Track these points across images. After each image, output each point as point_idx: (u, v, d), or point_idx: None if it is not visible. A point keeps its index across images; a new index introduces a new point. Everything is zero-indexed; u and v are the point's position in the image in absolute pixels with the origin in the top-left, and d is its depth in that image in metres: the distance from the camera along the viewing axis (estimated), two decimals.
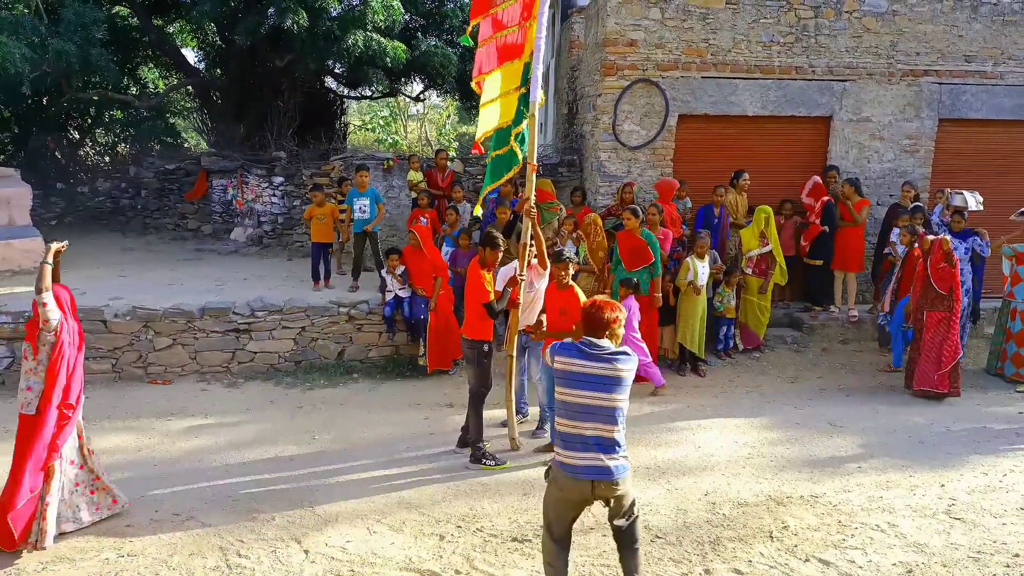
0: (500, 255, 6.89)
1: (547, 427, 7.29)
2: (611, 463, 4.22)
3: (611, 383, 4.22)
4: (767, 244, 9.68)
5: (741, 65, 10.62)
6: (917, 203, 10.16)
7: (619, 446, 4.27)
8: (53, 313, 5.21)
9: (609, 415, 4.22)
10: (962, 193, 9.69)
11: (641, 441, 7.24)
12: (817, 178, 10.35)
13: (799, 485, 6.37)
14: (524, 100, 6.65)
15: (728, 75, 10.64)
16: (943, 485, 6.40)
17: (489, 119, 7.00)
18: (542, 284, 6.94)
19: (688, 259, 8.95)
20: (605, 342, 4.29)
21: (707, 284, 9.06)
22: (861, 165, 11.01)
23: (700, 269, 8.86)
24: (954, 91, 10.97)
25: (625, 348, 4.36)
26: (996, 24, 10.83)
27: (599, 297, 4.51)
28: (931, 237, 8.73)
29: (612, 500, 4.35)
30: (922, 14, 10.71)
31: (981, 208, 9.69)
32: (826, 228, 10.03)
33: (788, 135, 11.00)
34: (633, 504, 4.46)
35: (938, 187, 10.70)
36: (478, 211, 8.00)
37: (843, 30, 10.65)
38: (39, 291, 5.22)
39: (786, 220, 10.26)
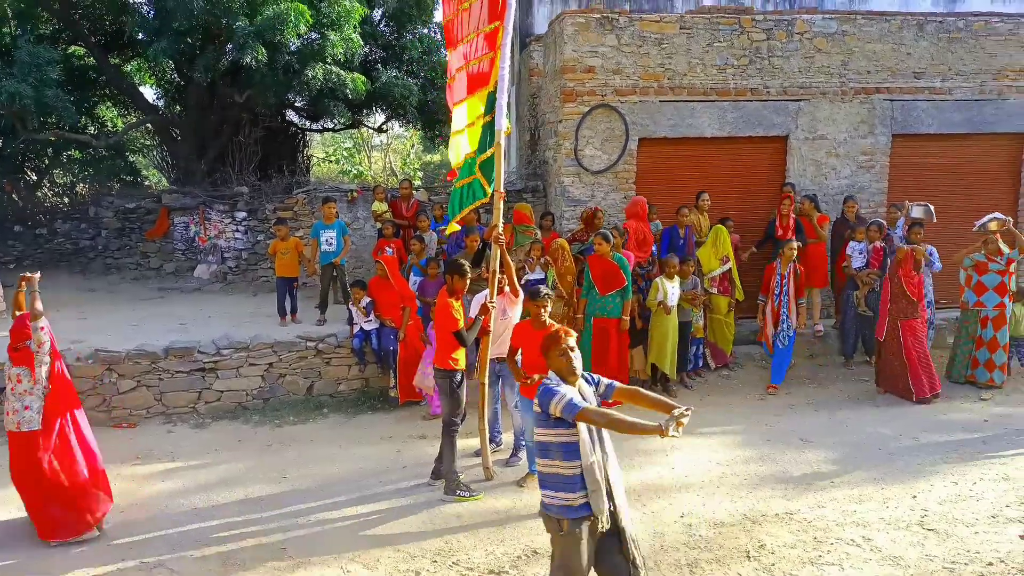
0: (467, 283, 6.86)
1: (521, 454, 7.26)
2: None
3: None
4: (727, 262, 9.80)
5: (698, 88, 10.79)
6: (876, 219, 10.34)
7: None
8: (46, 335, 5.83)
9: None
10: (923, 205, 9.91)
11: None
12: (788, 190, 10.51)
13: (774, 502, 6.40)
14: (489, 128, 6.68)
15: (685, 98, 10.80)
16: (915, 496, 6.46)
17: (460, 147, 7.04)
18: (515, 312, 6.95)
19: (657, 280, 9.01)
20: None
21: (676, 305, 9.10)
22: (819, 182, 11.21)
23: (670, 289, 8.91)
24: (905, 107, 11.24)
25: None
26: (942, 41, 11.13)
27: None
28: (906, 247, 9.03)
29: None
30: (871, 33, 10.99)
31: (934, 220, 9.89)
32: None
33: (747, 155, 11.18)
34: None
35: (894, 201, 10.92)
36: (452, 229, 7.81)
37: (795, 51, 10.88)
38: (34, 317, 5.80)
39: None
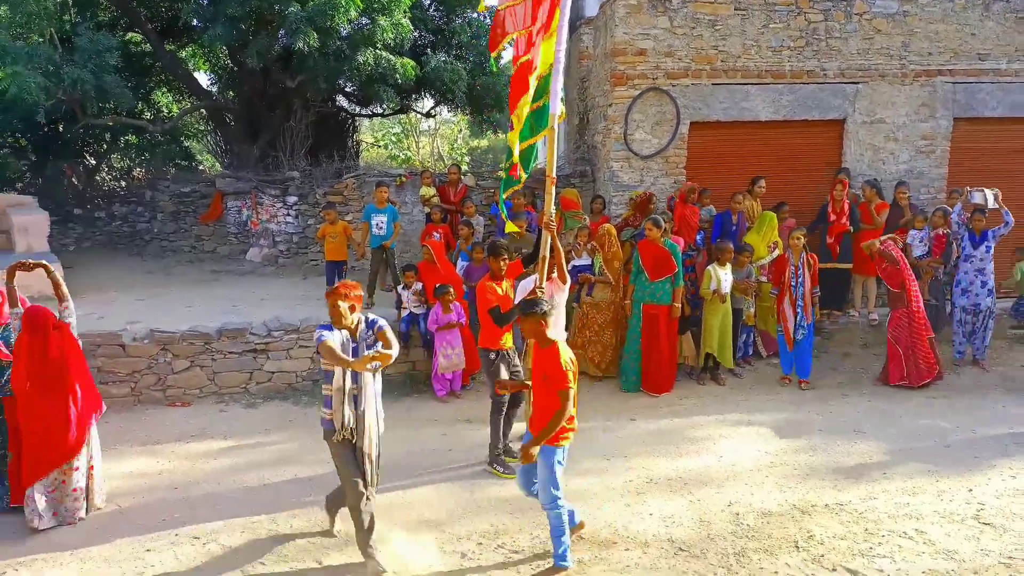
0: (503, 263, 6.86)
1: None
2: None
3: None
4: (775, 249, 9.61)
5: (752, 71, 10.58)
6: (941, 206, 10.03)
7: None
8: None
9: None
10: (982, 191, 9.56)
11: (661, 452, 7.17)
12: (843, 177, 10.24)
13: (824, 493, 6.29)
14: (536, 115, 6.60)
15: (739, 81, 10.60)
16: (971, 490, 6.30)
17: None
18: (562, 297, 6.91)
19: (710, 267, 8.86)
20: None
21: (730, 292, 8.93)
22: (876, 167, 10.92)
23: (723, 277, 8.77)
24: (968, 90, 10.87)
25: None
26: (1009, 21, 10.74)
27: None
28: (865, 244, 9.14)
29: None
30: (933, 14, 10.64)
31: (999, 206, 9.55)
32: (851, 228, 9.97)
33: (802, 139, 10.95)
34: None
35: (954, 187, 10.59)
36: (513, 228, 7.85)
37: (854, 32, 10.59)
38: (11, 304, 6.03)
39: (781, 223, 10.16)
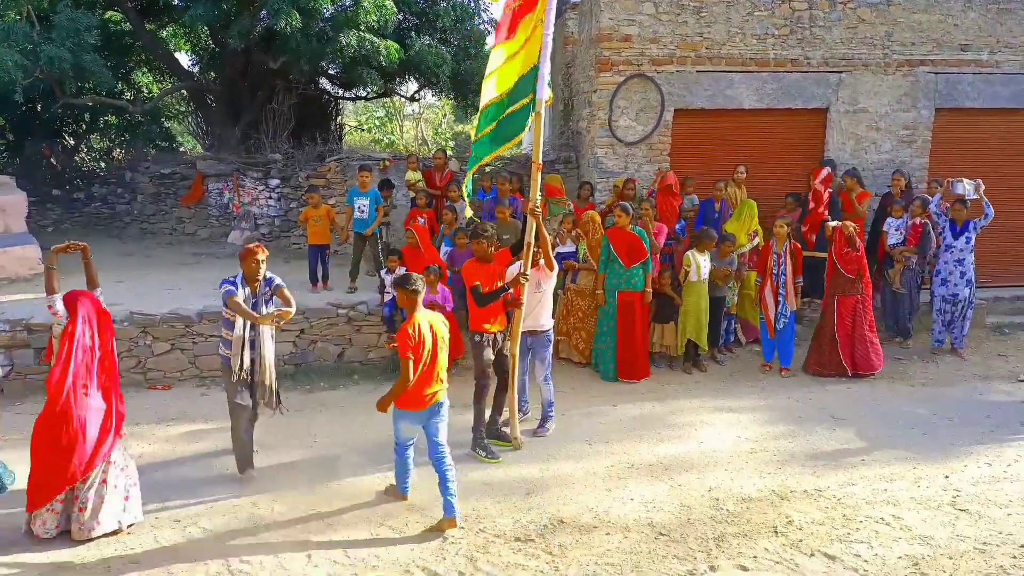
0: (485, 245, 6.83)
1: (549, 425, 7.29)
2: None
3: None
4: (755, 237, 9.67)
5: (736, 58, 10.59)
6: (921, 195, 10.11)
7: None
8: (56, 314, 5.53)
9: None
10: (962, 181, 9.61)
11: (643, 438, 7.21)
12: (828, 168, 10.26)
13: (802, 479, 6.36)
14: (510, 119, 6.65)
15: (724, 69, 10.61)
16: (947, 476, 6.39)
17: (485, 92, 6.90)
18: (549, 284, 6.99)
19: (688, 253, 8.89)
20: None
21: (708, 279, 8.96)
22: (859, 156, 10.98)
23: (701, 263, 8.81)
24: (950, 80, 10.94)
25: None
26: (991, 12, 10.80)
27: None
28: (832, 224, 8.96)
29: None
30: (917, 4, 10.69)
31: (980, 197, 9.62)
32: (829, 217, 10.00)
33: (785, 128, 10.98)
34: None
35: (935, 177, 10.68)
36: (468, 213, 7.98)
37: (838, 21, 10.62)
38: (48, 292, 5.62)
39: (789, 213, 10.20)
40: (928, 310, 10.08)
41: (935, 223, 9.73)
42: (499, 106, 6.72)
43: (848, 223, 8.83)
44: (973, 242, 9.43)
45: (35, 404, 7.99)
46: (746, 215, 9.74)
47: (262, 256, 6.00)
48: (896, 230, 9.76)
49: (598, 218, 9.30)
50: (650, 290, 8.76)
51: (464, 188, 7.33)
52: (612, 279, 8.74)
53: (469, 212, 7.98)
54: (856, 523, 5.64)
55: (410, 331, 5.40)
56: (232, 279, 6.00)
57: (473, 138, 7.05)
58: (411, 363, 5.37)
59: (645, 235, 8.71)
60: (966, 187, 9.50)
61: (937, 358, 9.53)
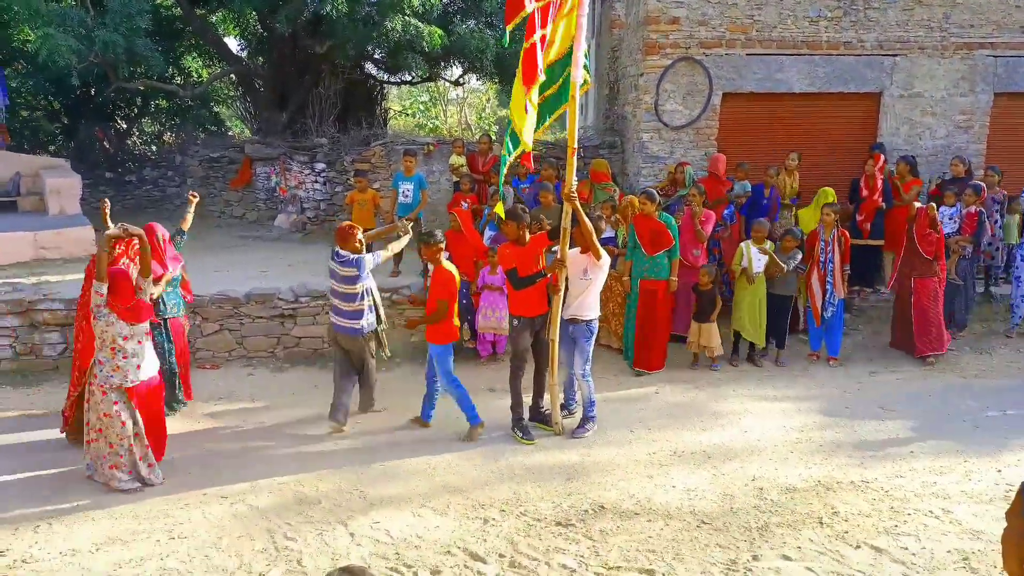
0: (522, 229, 6.81)
1: (589, 426, 7.02)
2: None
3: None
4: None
5: (787, 41, 10.37)
6: (976, 182, 9.83)
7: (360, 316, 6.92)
8: (97, 298, 5.68)
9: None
10: None
11: (686, 426, 7.15)
12: (882, 155, 10.01)
13: (849, 470, 6.25)
14: (546, 103, 6.56)
15: (774, 52, 10.40)
16: (1000, 471, 6.23)
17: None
18: (597, 274, 6.74)
19: (743, 244, 8.70)
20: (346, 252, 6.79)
21: (763, 273, 8.57)
22: (913, 142, 10.71)
23: (755, 256, 8.51)
24: (1010, 64, 10.59)
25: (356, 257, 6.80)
26: None
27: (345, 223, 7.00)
28: (919, 205, 8.93)
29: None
30: None
31: None
32: (883, 204, 9.79)
33: (837, 112, 10.75)
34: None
35: (992, 164, 10.36)
36: (499, 209, 7.56)
37: (893, 3, 10.33)
38: (98, 278, 5.68)
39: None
40: (981, 300, 9.81)
41: (991, 211, 9.48)
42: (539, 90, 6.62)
43: (931, 205, 8.82)
44: None
45: None
46: (822, 202, 9.49)
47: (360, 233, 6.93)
48: (950, 219, 9.49)
49: (636, 201, 9.17)
50: (675, 279, 8.54)
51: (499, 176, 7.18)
52: (637, 267, 8.59)
53: (500, 209, 7.62)
54: (904, 516, 5.53)
55: (443, 276, 6.70)
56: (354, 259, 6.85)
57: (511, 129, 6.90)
58: (448, 302, 6.67)
59: (672, 223, 8.53)
60: None
61: (992, 349, 9.27)
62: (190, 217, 7.76)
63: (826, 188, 9.51)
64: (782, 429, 7.08)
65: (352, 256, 6.82)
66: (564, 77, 6.46)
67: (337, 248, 6.91)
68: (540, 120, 6.61)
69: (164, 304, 6.97)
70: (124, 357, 5.71)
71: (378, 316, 7.24)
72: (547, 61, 6.42)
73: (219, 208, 14.00)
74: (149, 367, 5.91)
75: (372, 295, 7.14)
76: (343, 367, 7.12)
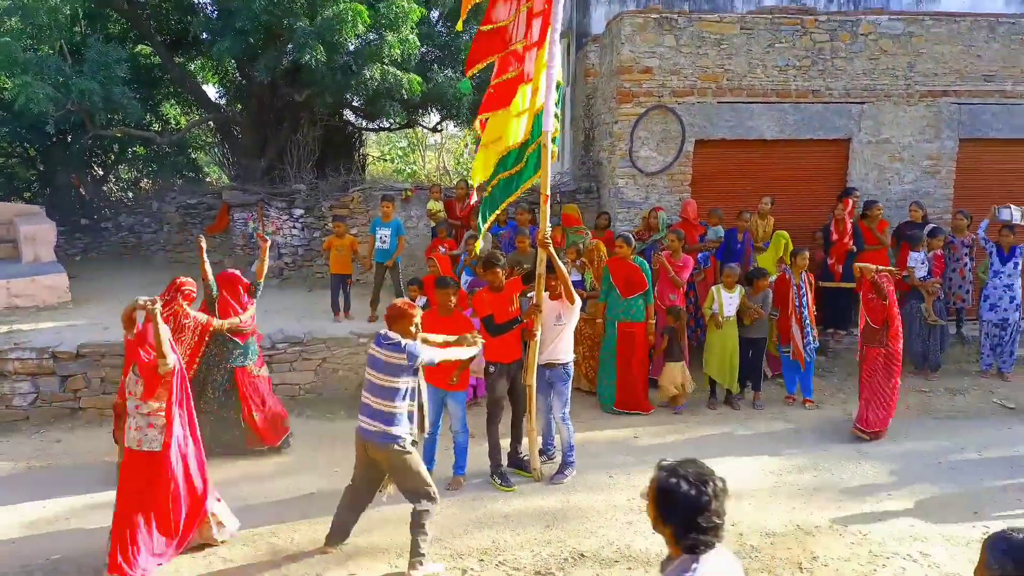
0: (499, 275, 6.82)
1: (568, 472, 6.99)
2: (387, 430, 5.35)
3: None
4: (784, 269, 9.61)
5: (757, 89, 10.62)
6: (935, 226, 10.08)
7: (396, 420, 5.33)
8: (170, 357, 5.45)
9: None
10: (1009, 207, 9.64)
11: None
12: (852, 198, 10.21)
13: (828, 514, 6.26)
14: (507, 181, 6.76)
15: (745, 100, 10.64)
16: (976, 512, 6.26)
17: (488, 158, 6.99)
18: (569, 317, 6.83)
19: (714, 288, 8.78)
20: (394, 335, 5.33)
21: (736, 317, 8.66)
22: (882, 187, 10.94)
23: (726, 300, 8.62)
24: (974, 111, 10.90)
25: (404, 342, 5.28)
26: (1015, 43, 10.77)
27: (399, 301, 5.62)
28: (859, 266, 8.12)
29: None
30: (939, 35, 10.68)
31: (1020, 222, 9.62)
32: (854, 247, 9.96)
33: (807, 158, 10.97)
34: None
35: (960, 207, 10.59)
36: (478, 247, 7.67)
37: (859, 52, 10.63)
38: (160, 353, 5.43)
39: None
40: (954, 342, 9.96)
41: (982, 248, 9.83)
42: (521, 150, 6.78)
43: (869, 266, 8.02)
44: (1021, 267, 9.52)
45: (59, 431, 8.09)
46: (780, 248, 9.68)
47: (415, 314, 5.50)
48: (921, 263, 9.69)
49: (603, 247, 9.26)
50: (652, 321, 8.63)
51: (479, 221, 7.28)
52: (611, 310, 8.67)
53: (479, 246, 7.74)
54: (883, 559, 5.53)
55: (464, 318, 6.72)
56: (391, 338, 5.35)
57: (490, 181, 7.04)
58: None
59: (647, 266, 8.64)
60: (1013, 213, 9.58)
61: (966, 390, 9.37)
62: (264, 266, 7.93)
63: (781, 232, 9.71)
64: (761, 473, 7.08)
65: (403, 341, 5.31)
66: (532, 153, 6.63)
67: (385, 331, 5.45)
68: (517, 183, 6.79)
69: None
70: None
71: (421, 424, 5.82)
72: (533, 108, 6.61)
73: (196, 255, 13.87)
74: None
75: (419, 395, 5.71)
76: (354, 493, 5.72)
